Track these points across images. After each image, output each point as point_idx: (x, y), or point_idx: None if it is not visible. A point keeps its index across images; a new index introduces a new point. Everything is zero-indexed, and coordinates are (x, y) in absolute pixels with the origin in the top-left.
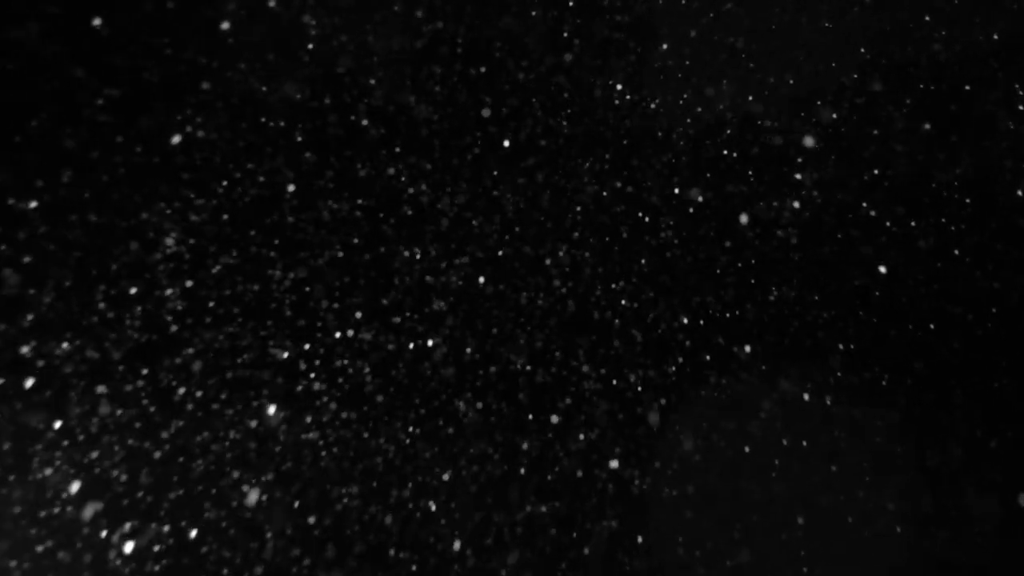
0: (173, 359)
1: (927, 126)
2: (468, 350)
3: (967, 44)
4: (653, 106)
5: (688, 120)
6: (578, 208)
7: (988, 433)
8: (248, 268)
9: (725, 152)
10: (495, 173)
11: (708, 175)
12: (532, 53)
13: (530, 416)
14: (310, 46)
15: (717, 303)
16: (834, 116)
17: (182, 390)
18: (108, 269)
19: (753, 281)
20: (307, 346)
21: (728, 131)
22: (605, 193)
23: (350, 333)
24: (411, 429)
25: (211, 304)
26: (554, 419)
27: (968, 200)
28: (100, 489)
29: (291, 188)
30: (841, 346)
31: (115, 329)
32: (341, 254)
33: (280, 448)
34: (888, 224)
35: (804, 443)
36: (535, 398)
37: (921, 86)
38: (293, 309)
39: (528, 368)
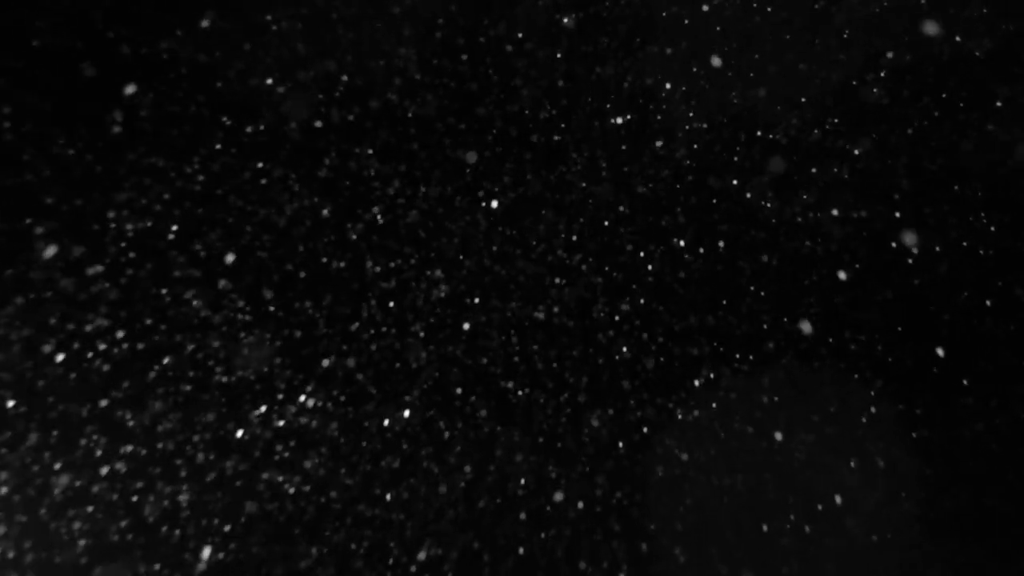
0: (120, 382)
1: (951, 124)
2: (452, 379)
3: (992, 40)
4: (660, 96)
5: (696, 114)
6: (575, 209)
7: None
8: (197, 278)
9: (738, 149)
10: (478, 170)
11: (719, 174)
12: (523, 38)
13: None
14: (273, 28)
15: (736, 320)
16: (851, 114)
17: (130, 419)
18: (41, 274)
19: (776, 294)
20: (264, 371)
21: (740, 128)
22: (605, 192)
23: (312, 357)
24: (383, 475)
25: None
26: (553, 475)
27: (994, 202)
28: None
29: (244, 186)
30: (873, 372)
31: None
32: (304, 272)
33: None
34: (913, 228)
35: (829, 487)
36: (528, 433)
37: (940, 89)
38: (245, 328)
39: (520, 393)
